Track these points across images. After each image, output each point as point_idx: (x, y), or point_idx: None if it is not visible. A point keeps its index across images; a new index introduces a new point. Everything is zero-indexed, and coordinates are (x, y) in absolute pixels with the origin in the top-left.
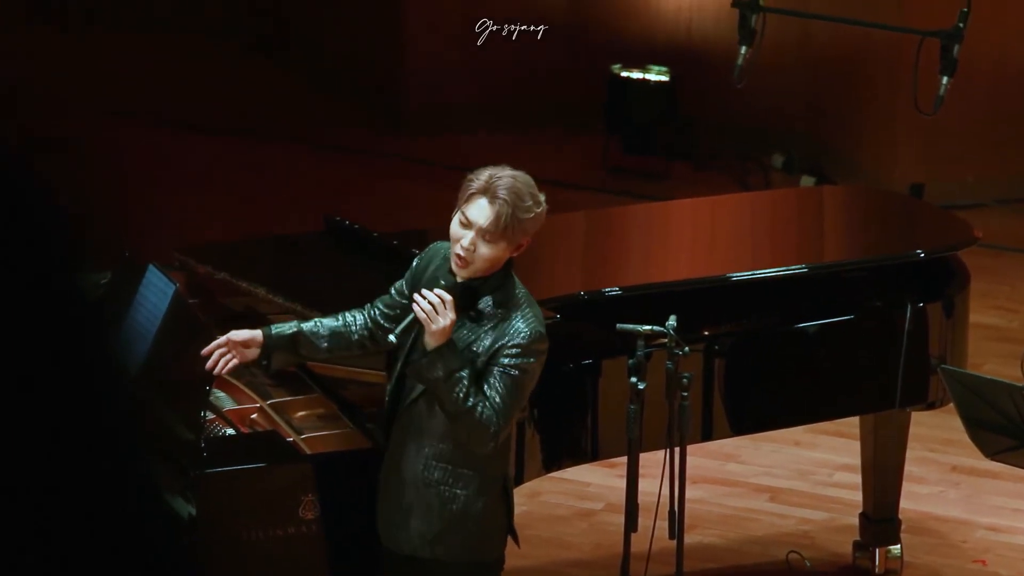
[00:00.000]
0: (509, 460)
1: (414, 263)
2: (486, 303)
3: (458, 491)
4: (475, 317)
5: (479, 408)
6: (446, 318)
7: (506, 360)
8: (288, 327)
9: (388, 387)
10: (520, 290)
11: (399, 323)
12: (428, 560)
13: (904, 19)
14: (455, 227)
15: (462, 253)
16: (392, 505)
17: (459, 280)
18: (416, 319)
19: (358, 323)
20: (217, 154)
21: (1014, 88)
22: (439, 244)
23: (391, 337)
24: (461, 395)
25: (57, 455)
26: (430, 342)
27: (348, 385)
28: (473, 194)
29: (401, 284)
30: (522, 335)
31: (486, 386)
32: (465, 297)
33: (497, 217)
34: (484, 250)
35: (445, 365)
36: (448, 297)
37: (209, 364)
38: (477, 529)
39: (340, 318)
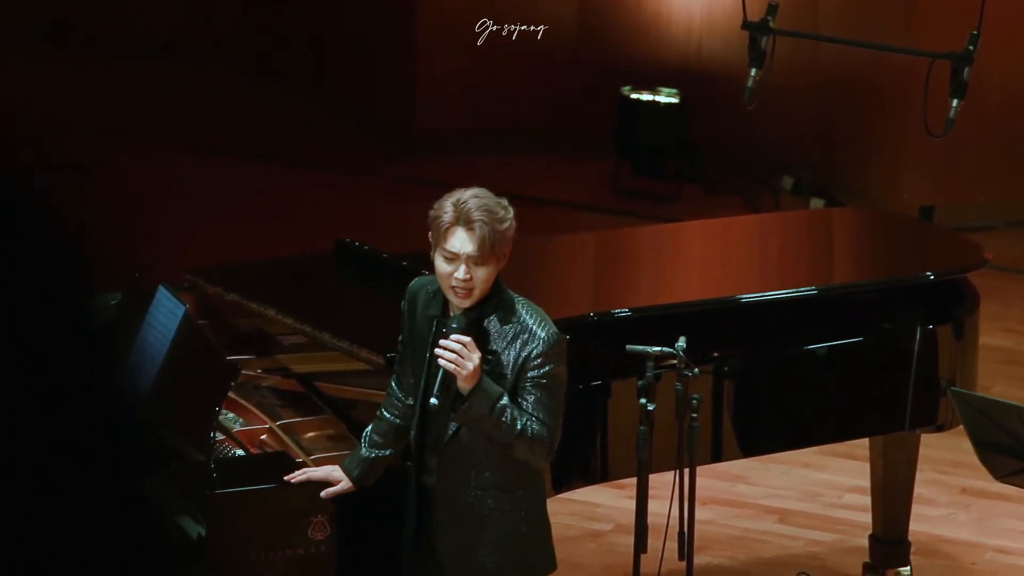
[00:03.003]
0: (544, 476)
1: (403, 307)
2: (492, 324)
3: (515, 514)
4: (488, 342)
5: (529, 427)
6: (472, 360)
7: (534, 372)
8: (360, 457)
9: (412, 434)
10: (518, 300)
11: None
12: None
13: (914, 42)
14: (441, 265)
15: (460, 285)
16: (450, 542)
17: (463, 309)
18: (447, 371)
19: (394, 413)
20: (226, 177)
21: None
22: (417, 281)
23: (432, 400)
24: (508, 422)
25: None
26: (464, 386)
27: (357, 406)
28: (448, 228)
29: (400, 343)
30: (540, 342)
31: (525, 403)
32: (474, 329)
33: (481, 240)
34: (480, 273)
35: (486, 401)
36: (467, 339)
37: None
38: (540, 545)
39: (381, 420)
